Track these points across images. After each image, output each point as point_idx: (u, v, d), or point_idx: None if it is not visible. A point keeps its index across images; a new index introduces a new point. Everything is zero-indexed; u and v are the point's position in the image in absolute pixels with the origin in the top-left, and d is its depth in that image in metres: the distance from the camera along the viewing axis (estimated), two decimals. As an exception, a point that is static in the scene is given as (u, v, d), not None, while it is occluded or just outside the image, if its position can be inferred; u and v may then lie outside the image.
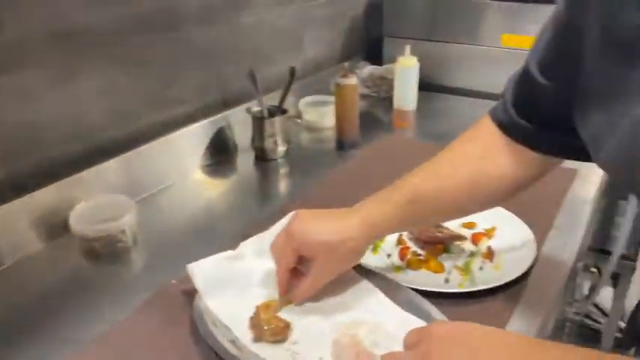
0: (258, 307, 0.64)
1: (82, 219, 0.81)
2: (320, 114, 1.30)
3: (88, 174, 0.90)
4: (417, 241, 0.81)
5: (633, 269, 1.38)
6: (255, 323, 0.63)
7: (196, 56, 1.12)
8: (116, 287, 0.76)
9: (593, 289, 1.50)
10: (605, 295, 1.62)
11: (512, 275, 0.72)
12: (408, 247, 0.80)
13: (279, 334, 0.62)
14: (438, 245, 0.80)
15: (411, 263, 0.76)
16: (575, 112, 0.55)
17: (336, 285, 0.70)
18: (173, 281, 0.75)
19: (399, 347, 0.55)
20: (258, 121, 1.13)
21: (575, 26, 0.52)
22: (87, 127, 0.94)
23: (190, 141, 1.10)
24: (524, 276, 0.73)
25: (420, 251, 0.79)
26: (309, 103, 1.34)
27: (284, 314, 0.65)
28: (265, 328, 0.61)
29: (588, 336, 1.62)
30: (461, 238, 0.81)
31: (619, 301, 1.50)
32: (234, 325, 0.63)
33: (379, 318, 0.65)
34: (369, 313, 0.66)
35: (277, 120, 1.13)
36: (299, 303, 0.66)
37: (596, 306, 1.64)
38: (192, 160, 1.11)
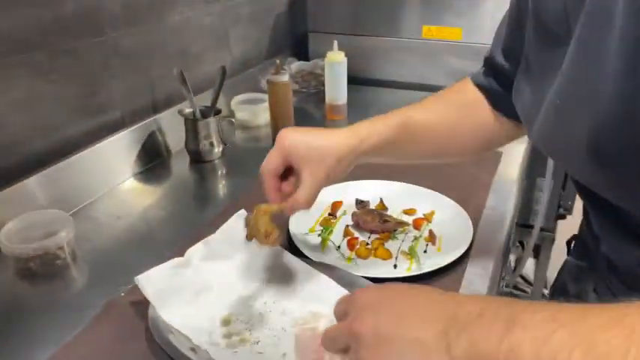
0: (256, 209, 0.65)
1: (14, 238, 0.76)
2: (253, 112, 1.30)
3: (11, 191, 0.85)
4: (364, 231, 0.84)
5: (553, 240, 1.50)
6: (252, 224, 0.65)
7: (122, 59, 1.07)
8: (59, 307, 0.72)
9: (519, 262, 1.61)
10: (528, 267, 1.75)
11: (454, 255, 0.76)
12: (356, 238, 0.82)
13: (270, 237, 0.64)
14: (384, 233, 0.83)
15: (360, 253, 0.79)
16: (514, 91, 0.62)
17: (293, 280, 0.71)
18: (122, 293, 0.72)
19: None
20: (192, 123, 1.11)
21: (521, 16, 0.60)
22: (7, 141, 0.88)
23: (121, 148, 1.06)
24: (465, 255, 0.77)
25: (367, 240, 0.82)
26: (241, 102, 1.33)
27: (244, 322, 0.66)
28: (260, 230, 0.63)
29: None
30: (404, 224, 0.84)
31: (541, 270, 1.63)
32: (193, 333, 0.62)
33: (336, 309, 0.66)
34: (327, 306, 0.67)
35: (211, 121, 1.11)
36: (291, 213, 0.65)
37: (522, 277, 1.77)
38: (125, 168, 1.07)
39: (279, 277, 0.72)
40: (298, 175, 0.63)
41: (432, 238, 0.82)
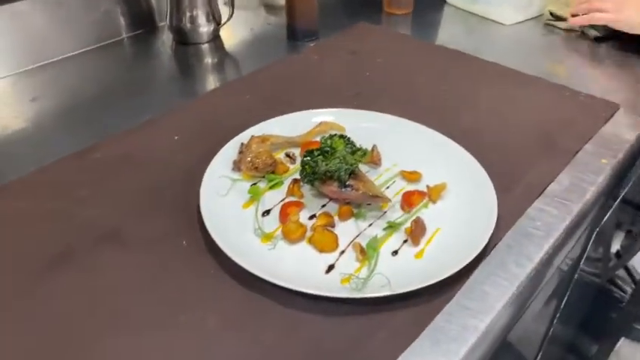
0: (252, 137, 0.57)
1: None
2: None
3: None
4: (321, 194, 0.53)
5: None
6: (242, 150, 0.56)
7: None
8: None
9: (626, 251, 1.18)
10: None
11: (441, 273, 0.43)
12: (298, 204, 0.51)
13: (260, 169, 0.54)
14: (347, 205, 0.51)
15: (288, 232, 0.48)
16: None
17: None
18: None
19: None
20: (175, -9, 0.82)
21: None
22: None
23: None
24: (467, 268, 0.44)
25: (315, 211, 0.51)
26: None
27: None
28: (248, 159, 0.54)
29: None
30: (381, 199, 0.51)
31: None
32: None
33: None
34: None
35: (200, -11, 0.81)
36: None
37: (627, 270, 1.31)
38: (78, 37, 0.82)
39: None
40: None
41: (417, 232, 0.48)
